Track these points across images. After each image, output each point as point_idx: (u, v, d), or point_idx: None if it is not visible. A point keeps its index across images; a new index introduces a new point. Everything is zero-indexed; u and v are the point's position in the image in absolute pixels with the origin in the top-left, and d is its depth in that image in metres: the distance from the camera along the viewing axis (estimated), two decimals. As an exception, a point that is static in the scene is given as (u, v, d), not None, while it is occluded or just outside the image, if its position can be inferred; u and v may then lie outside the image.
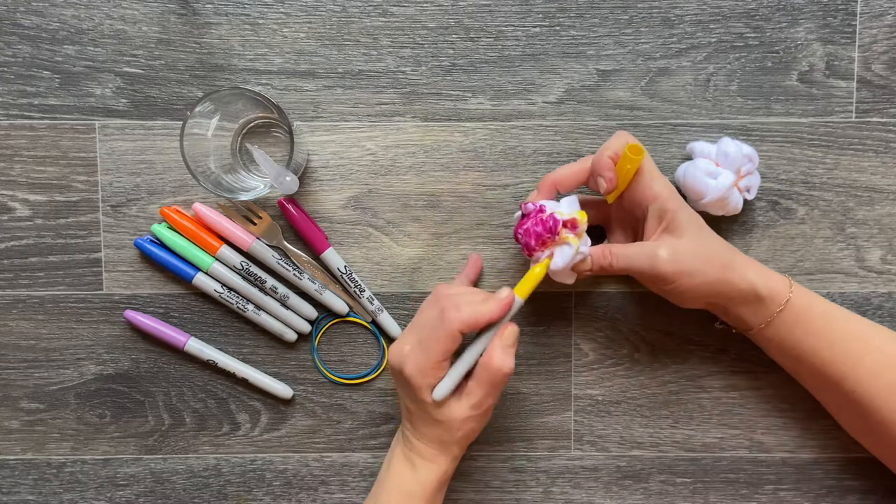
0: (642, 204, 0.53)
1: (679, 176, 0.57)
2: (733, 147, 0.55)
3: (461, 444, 0.54)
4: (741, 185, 0.56)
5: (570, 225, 0.52)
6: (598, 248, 0.53)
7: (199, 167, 0.54)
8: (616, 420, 0.61)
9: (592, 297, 0.61)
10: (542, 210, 0.52)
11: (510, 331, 0.52)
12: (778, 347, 0.55)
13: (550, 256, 0.52)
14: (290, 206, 0.59)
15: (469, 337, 0.52)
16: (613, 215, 0.57)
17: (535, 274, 0.52)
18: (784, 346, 0.55)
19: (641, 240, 0.55)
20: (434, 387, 0.52)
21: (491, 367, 0.51)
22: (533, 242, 0.52)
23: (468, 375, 0.53)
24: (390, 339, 0.61)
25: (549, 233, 0.51)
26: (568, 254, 0.52)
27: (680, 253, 0.52)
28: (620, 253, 0.53)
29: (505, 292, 0.52)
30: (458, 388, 0.52)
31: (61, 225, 0.60)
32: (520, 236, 0.53)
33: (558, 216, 0.51)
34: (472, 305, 0.51)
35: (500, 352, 0.51)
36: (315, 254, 0.60)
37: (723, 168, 0.55)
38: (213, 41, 0.59)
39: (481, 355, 0.52)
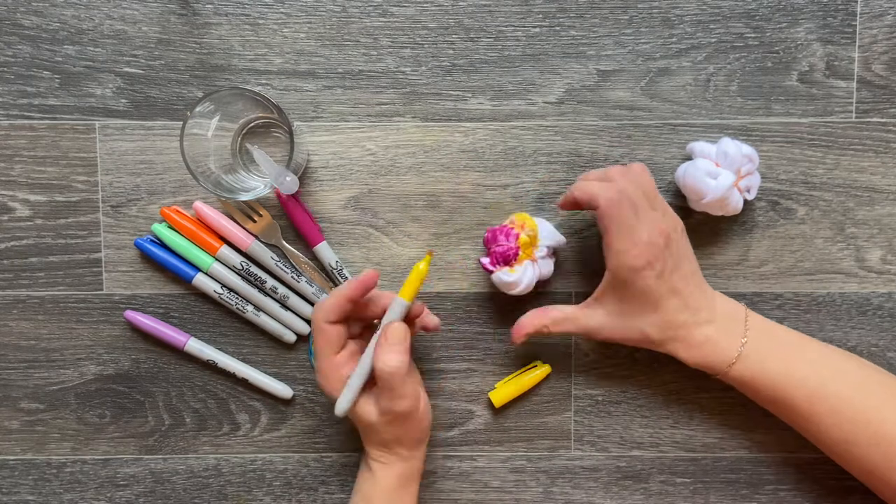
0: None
1: (679, 176, 0.57)
2: (733, 147, 0.55)
3: (404, 444, 0.54)
4: (741, 185, 0.56)
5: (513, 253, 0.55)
6: (539, 311, 0.56)
7: (199, 167, 0.54)
8: (616, 420, 0.61)
9: (592, 297, 0.61)
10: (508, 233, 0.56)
11: (393, 328, 0.51)
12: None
13: (430, 254, 0.53)
14: (286, 197, 0.59)
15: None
16: None
17: (417, 272, 0.52)
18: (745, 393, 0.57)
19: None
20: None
21: (376, 368, 0.51)
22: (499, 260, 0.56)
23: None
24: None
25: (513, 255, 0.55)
26: (530, 273, 0.56)
27: (590, 325, 0.55)
28: (556, 316, 0.56)
29: (365, 272, 0.52)
30: (370, 391, 0.53)
31: (61, 225, 0.60)
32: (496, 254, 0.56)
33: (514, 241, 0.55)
34: (332, 294, 0.52)
35: (382, 350, 0.51)
36: (308, 247, 0.60)
37: (723, 168, 0.55)
38: (213, 41, 0.59)
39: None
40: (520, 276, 0.55)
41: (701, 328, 0.54)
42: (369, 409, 0.52)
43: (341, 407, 0.52)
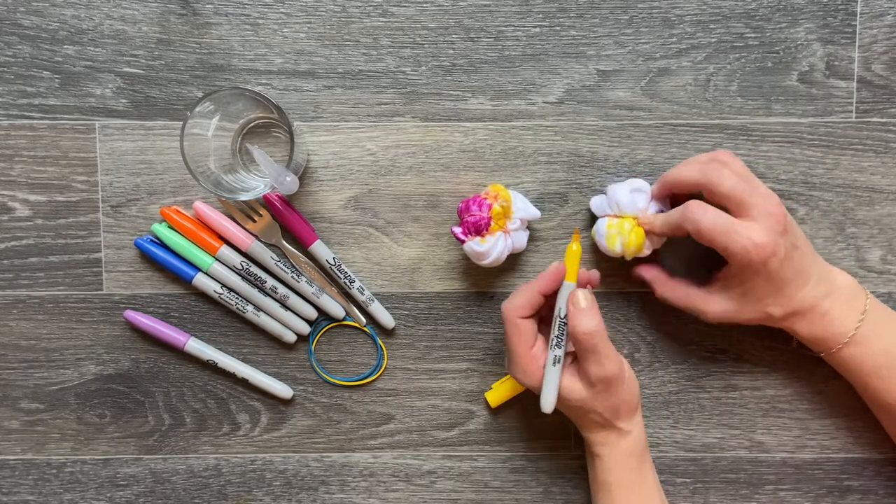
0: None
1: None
2: (621, 192, 0.55)
3: (622, 415, 0.53)
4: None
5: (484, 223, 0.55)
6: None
7: (200, 167, 0.54)
8: (616, 420, 0.61)
9: (592, 297, 0.61)
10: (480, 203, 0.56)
11: (578, 295, 0.52)
12: (844, 373, 0.56)
13: (577, 232, 0.54)
14: (275, 201, 0.59)
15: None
16: None
17: (572, 254, 0.53)
18: (847, 374, 0.56)
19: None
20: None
21: (576, 335, 0.51)
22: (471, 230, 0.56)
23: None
24: (385, 334, 0.61)
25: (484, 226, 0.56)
26: (501, 245, 0.56)
27: (710, 309, 0.54)
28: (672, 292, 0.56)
29: (552, 265, 0.53)
30: (570, 372, 0.53)
31: (61, 225, 0.60)
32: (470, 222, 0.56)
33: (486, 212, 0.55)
34: (521, 290, 0.53)
35: (576, 317, 0.51)
36: (303, 247, 0.60)
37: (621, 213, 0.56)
38: (213, 41, 0.59)
39: (562, 344, 0.53)
40: (490, 247, 0.55)
41: (822, 302, 0.53)
42: (576, 388, 0.53)
43: (548, 403, 0.52)
